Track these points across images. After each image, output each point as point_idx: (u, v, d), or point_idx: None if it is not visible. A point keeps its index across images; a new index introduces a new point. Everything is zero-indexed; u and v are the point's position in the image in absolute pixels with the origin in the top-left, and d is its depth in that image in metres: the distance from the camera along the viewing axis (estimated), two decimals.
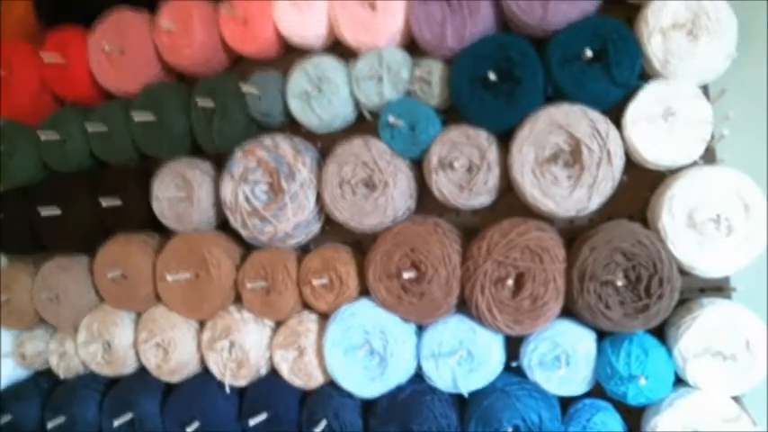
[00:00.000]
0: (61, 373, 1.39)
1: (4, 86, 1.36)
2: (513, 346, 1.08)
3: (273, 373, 1.21)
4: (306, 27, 1.16)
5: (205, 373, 1.26)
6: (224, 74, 1.26)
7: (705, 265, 0.94)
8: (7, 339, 1.44)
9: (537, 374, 1.04)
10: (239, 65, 1.28)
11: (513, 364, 1.06)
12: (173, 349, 1.24)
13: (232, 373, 1.21)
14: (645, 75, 0.98)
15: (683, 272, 0.96)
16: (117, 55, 1.27)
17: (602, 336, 1.02)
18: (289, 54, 1.22)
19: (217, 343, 1.20)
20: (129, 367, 1.32)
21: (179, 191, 1.23)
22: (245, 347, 1.18)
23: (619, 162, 0.97)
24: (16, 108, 1.38)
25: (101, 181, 1.31)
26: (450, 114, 1.09)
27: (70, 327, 1.37)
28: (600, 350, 1.01)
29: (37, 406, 1.40)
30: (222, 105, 1.20)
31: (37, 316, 1.38)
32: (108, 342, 1.30)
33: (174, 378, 1.27)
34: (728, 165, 0.95)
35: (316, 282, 1.13)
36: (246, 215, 1.18)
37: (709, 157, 0.97)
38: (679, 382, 0.99)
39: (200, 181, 1.23)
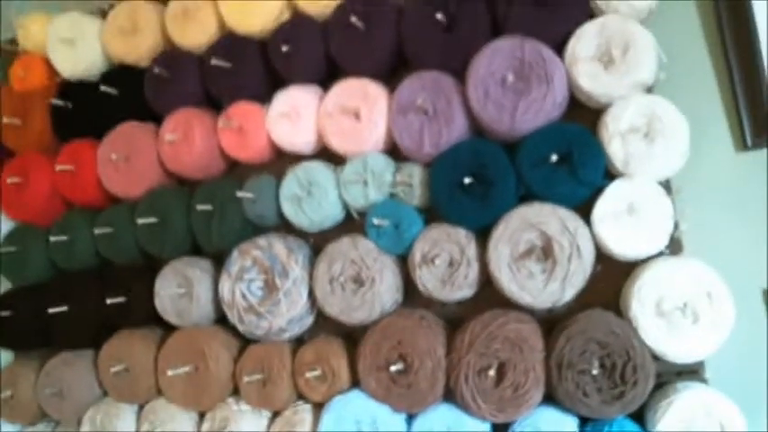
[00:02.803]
0: None
1: (20, 193, 1.39)
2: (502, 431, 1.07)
3: None
4: (296, 136, 1.19)
5: None
6: (221, 179, 1.29)
7: (674, 352, 0.94)
8: None
9: None
10: (235, 169, 1.31)
11: None
12: None
13: None
14: (609, 174, 1.00)
15: (657, 357, 0.96)
16: (122, 163, 1.30)
17: (583, 421, 1.01)
18: (281, 159, 1.25)
19: None
20: None
21: (180, 288, 1.24)
22: None
23: (588, 256, 0.98)
24: (29, 212, 1.40)
25: (106, 279, 1.32)
26: (432, 213, 1.11)
27: (73, 420, 1.34)
28: None
29: None
30: (220, 208, 1.22)
31: (40, 411, 1.35)
32: None
33: None
34: (693, 252, 0.97)
35: (309, 374, 1.13)
36: (243, 311, 1.18)
37: (674, 247, 0.99)
38: None
39: (200, 279, 1.24)
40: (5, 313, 1.38)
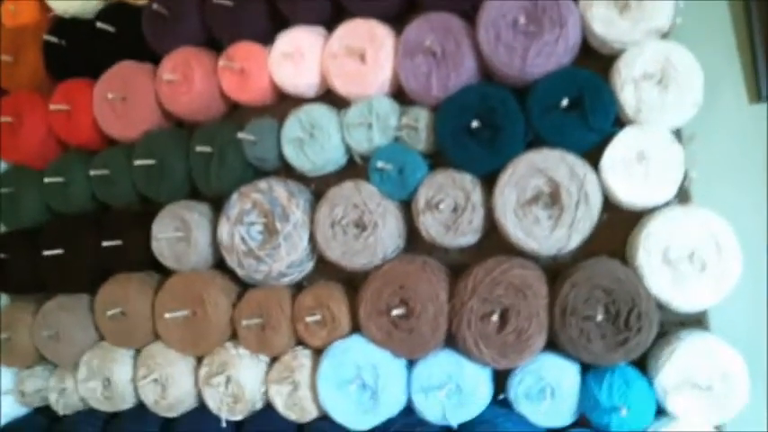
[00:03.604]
0: (60, 409, 1.34)
1: (13, 134, 1.35)
2: (501, 380, 1.06)
3: (268, 407, 1.17)
4: (299, 78, 1.16)
5: (202, 408, 1.22)
6: (221, 121, 1.26)
7: (680, 301, 0.93)
8: (7, 377, 1.40)
9: (523, 406, 1.02)
10: (236, 112, 1.28)
11: (501, 397, 1.04)
12: (170, 385, 1.21)
13: (228, 408, 1.18)
14: (619, 121, 0.98)
15: (662, 306, 0.95)
16: (119, 103, 1.26)
17: (585, 368, 1.01)
18: (283, 102, 1.22)
19: (213, 378, 1.18)
20: (127, 403, 1.28)
21: (177, 232, 1.21)
22: (240, 382, 1.16)
23: (596, 203, 0.97)
24: (23, 153, 1.37)
25: (102, 223, 1.30)
26: (437, 158, 1.09)
27: (70, 364, 1.33)
28: (583, 382, 0.99)
29: None
30: (220, 151, 1.19)
31: (37, 354, 1.34)
32: (107, 378, 1.27)
33: (172, 413, 1.24)
34: (701, 204, 0.95)
35: (309, 319, 1.11)
36: (242, 255, 1.16)
37: (682, 197, 0.97)
38: (661, 412, 0.97)
39: (198, 222, 1.22)
40: (0, 256, 1.36)
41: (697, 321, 0.99)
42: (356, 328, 1.12)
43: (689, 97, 0.94)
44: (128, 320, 1.25)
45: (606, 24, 0.96)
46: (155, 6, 1.23)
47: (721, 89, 1.00)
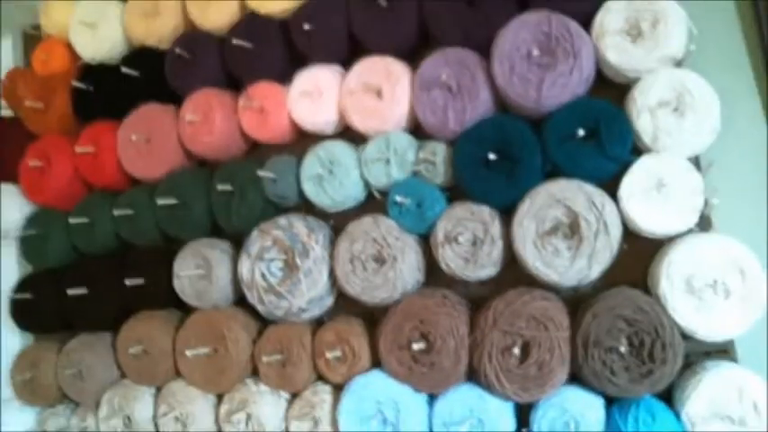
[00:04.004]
0: None
1: (42, 176, 1.39)
2: (525, 414, 1.04)
3: None
4: (318, 115, 1.18)
5: None
6: (242, 159, 1.28)
7: (705, 330, 0.91)
8: (30, 416, 1.41)
9: None
10: (256, 150, 1.30)
11: (524, 431, 1.03)
12: (191, 422, 1.20)
13: None
14: (637, 150, 0.98)
15: (686, 336, 0.93)
16: (143, 144, 1.29)
17: (609, 401, 0.99)
18: (302, 139, 1.24)
19: (234, 415, 1.17)
20: None
21: (199, 269, 1.23)
22: (261, 419, 1.15)
23: (616, 232, 0.96)
24: (50, 195, 1.40)
25: (125, 262, 1.32)
26: (455, 192, 1.09)
27: (92, 402, 1.33)
28: (608, 415, 0.97)
29: None
30: (240, 189, 1.21)
31: (60, 392, 1.35)
32: (128, 416, 1.27)
33: None
34: (723, 231, 0.94)
35: (329, 354, 1.11)
36: (263, 291, 1.17)
37: (704, 224, 0.96)
38: None
39: (219, 260, 1.23)
40: (26, 296, 1.38)
41: (723, 351, 0.97)
42: (377, 363, 1.11)
43: (706, 124, 0.94)
44: (149, 358, 1.25)
45: (620, 53, 0.97)
46: (177, 50, 1.27)
47: (738, 115, 0.99)
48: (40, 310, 1.38)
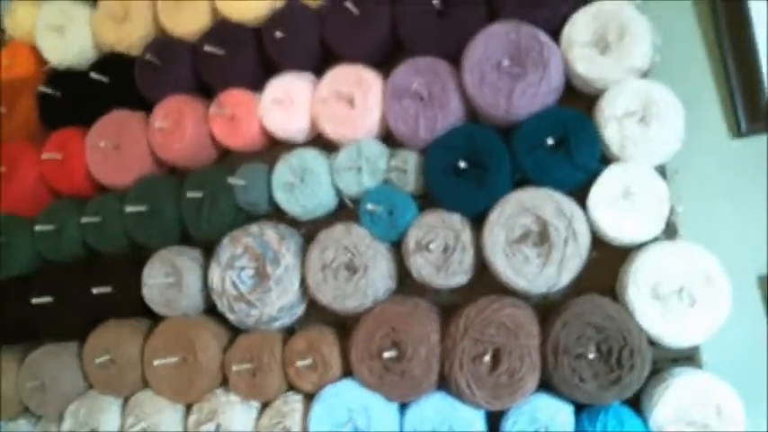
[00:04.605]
0: None
1: (6, 183, 1.36)
2: (496, 420, 1.04)
3: None
4: (289, 123, 1.18)
5: None
6: (212, 167, 1.28)
7: (672, 336, 0.93)
8: None
9: None
10: (227, 158, 1.29)
11: None
12: None
13: None
14: (605, 159, 1.00)
15: (654, 343, 0.95)
16: (112, 151, 1.28)
17: (578, 408, 1.00)
18: (273, 147, 1.24)
19: (203, 426, 1.16)
20: None
21: (168, 277, 1.22)
22: (231, 429, 1.14)
23: (584, 240, 0.98)
24: (14, 202, 1.38)
25: (93, 270, 1.30)
26: (426, 200, 1.10)
27: (55, 415, 1.31)
28: (577, 422, 0.98)
29: None
30: (211, 196, 1.21)
31: (21, 405, 1.32)
32: (94, 429, 1.24)
33: None
34: (689, 239, 0.96)
35: (300, 363, 1.11)
36: (233, 300, 1.16)
37: (670, 232, 0.98)
38: None
39: (189, 268, 1.22)
40: None
41: (689, 358, 0.99)
42: (348, 371, 1.11)
43: (671, 133, 0.97)
44: (116, 367, 1.24)
45: (587, 63, 0.99)
46: (147, 56, 1.26)
47: (703, 125, 1.03)
48: (2, 319, 1.35)
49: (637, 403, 0.99)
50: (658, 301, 0.94)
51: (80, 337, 1.31)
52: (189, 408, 1.22)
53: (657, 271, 0.94)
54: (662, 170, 0.99)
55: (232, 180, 1.18)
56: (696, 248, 0.95)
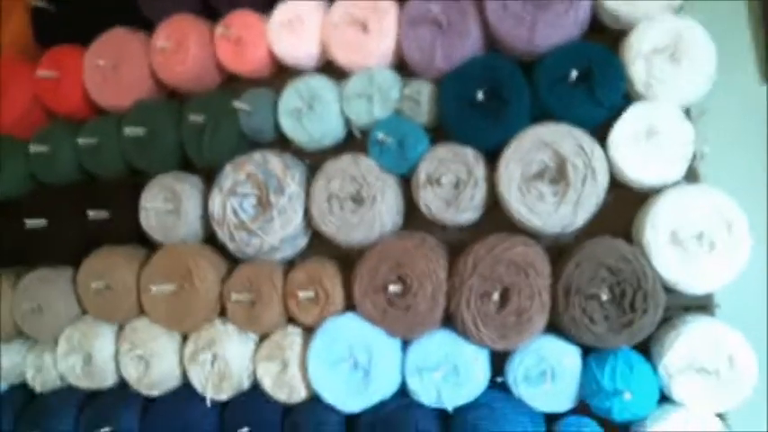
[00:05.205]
0: (37, 386, 1.30)
1: None
2: (499, 363, 1.03)
3: (256, 387, 1.15)
4: (298, 48, 1.14)
5: (186, 387, 1.19)
6: (216, 91, 1.23)
7: (688, 282, 0.91)
8: None
9: (522, 390, 0.99)
10: (231, 83, 1.25)
11: (499, 380, 1.02)
12: (155, 361, 1.17)
13: (214, 387, 1.14)
14: (628, 97, 0.97)
15: (668, 289, 0.93)
16: (110, 71, 1.24)
17: (587, 353, 0.99)
18: (281, 74, 1.19)
19: (199, 355, 1.15)
20: (108, 380, 1.24)
21: (167, 203, 1.19)
22: (227, 360, 1.13)
23: (603, 179, 0.95)
24: (7, 122, 1.33)
25: (88, 193, 1.27)
26: (439, 133, 1.07)
27: (50, 339, 1.29)
28: (585, 366, 0.97)
29: (10, 421, 1.31)
30: (214, 121, 1.17)
31: (16, 328, 1.30)
32: (89, 354, 1.23)
33: (155, 391, 1.20)
34: (711, 183, 0.94)
35: (301, 295, 1.09)
36: (233, 228, 1.14)
37: (691, 176, 0.96)
38: (664, 398, 0.95)
39: (189, 194, 1.19)
40: None
41: (702, 306, 0.97)
42: (350, 306, 1.09)
43: (701, 73, 0.93)
44: (112, 293, 1.21)
45: None
46: None
47: (732, 69, 0.98)
48: None
49: (646, 352, 0.97)
50: (676, 245, 0.92)
51: (74, 263, 1.28)
52: (185, 337, 1.21)
53: (677, 215, 0.91)
54: (687, 110, 0.96)
55: (237, 104, 1.14)
56: (718, 194, 0.92)
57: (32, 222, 1.24)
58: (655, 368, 0.94)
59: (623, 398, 0.91)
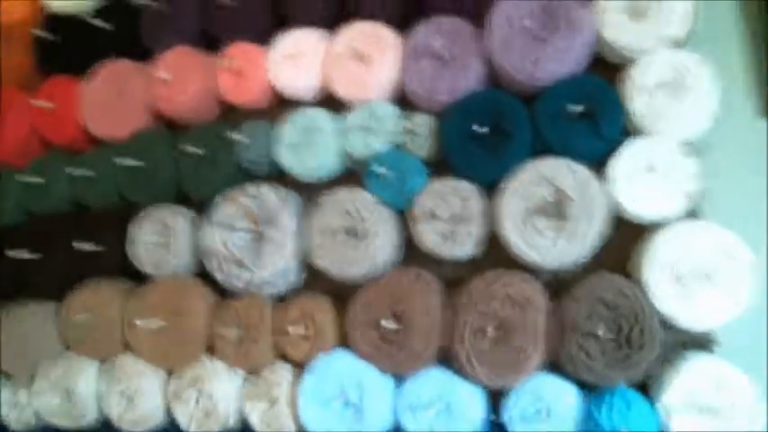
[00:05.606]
0: (12, 424, 1.27)
1: None
2: (496, 401, 1.02)
3: (243, 424, 1.12)
4: (299, 80, 1.16)
5: (170, 425, 1.17)
6: (214, 122, 1.25)
7: (687, 318, 0.91)
8: None
9: (518, 428, 0.97)
10: (229, 115, 1.26)
11: (494, 419, 1.00)
12: (138, 398, 1.15)
13: (198, 424, 1.12)
14: (628, 131, 0.98)
15: (666, 326, 0.93)
16: (108, 101, 1.26)
17: (584, 390, 0.97)
18: (279, 106, 1.21)
19: (184, 392, 1.13)
20: (88, 418, 1.21)
21: (158, 236, 1.19)
22: (213, 397, 1.10)
23: (602, 214, 0.96)
24: (4, 152, 1.34)
25: (77, 225, 1.26)
26: (437, 168, 1.08)
27: (26, 375, 1.26)
28: (582, 404, 0.96)
29: None
30: (211, 153, 1.18)
31: None
32: (70, 390, 1.20)
33: (137, 429, 1.17)
34: (712, 220, 0.94)
35: (292, 330, 1.07)
36: (223, 260, 1.13)
37: (692, 211, 0.96)
38: None
39: (181, 228, 1.19)
40: None
41: (703, 343, 0.96)
42: (342, 342, 1.08)
43: (704, 108, 0.95)
44: (96, 328, 1.20)
45: (617, 30, 0.98)
46: (154, 4, 1.24)
47: (732, 104, 1.00)
48: None
49: (644, 390, 0.96)
50: (676, 281, 0.92)
51: (59, 297, 1.26)
52: (171, 373, 1.18)
53: (677, 250, 0.92)
54: (689, 146, 0.97)
55: (235, 135, 1.15)
56: (720, 229, 0.92)
57: (16, 253, 1.23)
58: (653, 406, 0.93)
59: None
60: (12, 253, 1.23)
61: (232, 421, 1.13)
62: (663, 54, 0.96)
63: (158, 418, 1.18)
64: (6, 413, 1.28)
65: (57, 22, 1.35)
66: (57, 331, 1.26)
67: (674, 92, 0.95)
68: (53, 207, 1.31)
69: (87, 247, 1.21)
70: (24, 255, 1.24)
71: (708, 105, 0.94)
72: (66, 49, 1.33)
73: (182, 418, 1.14)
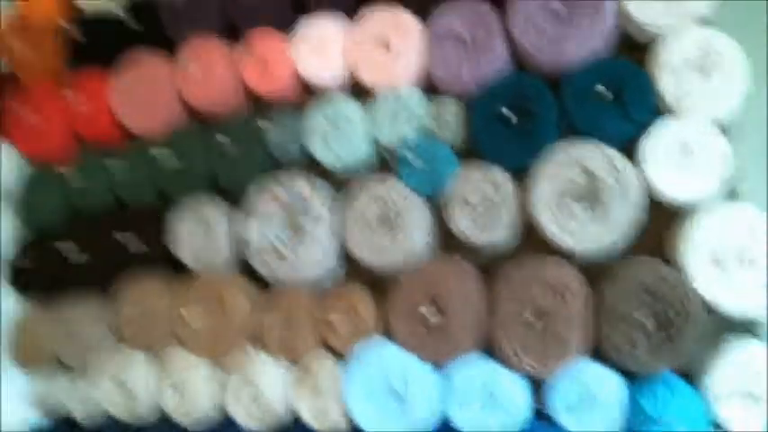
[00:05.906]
0: (77, 416, 1.35)
1: (33, 130, 1.38)
2: (539, 388, 1.03)
3: (289, 413, 1.17)
4: (324, 69, 1.16)
5: (222, 416, 1.22)
6: (243, 114, 1.26)
7: (729, 302, 0.90)
8: (23, 382, 1.41)
9: (564, 417, 0.98)
10: (258, 105, 1.27)
11: (538, 408, 1.02)
12: (187, 389, 1.21)
13: (248, 414, 1.17)
14: (658, 111, 0.96)
15: (709, 311, 0.92)
16: (138, 95, 1.28)
17: (627, 377, 0.98)
18: (306, 95, 1.22)
19: (232, 383, 1.18)
20: (143, 408, 1.27)
21: (197, 229, 1.22)
22: (260, 387, 1.15)
23: (635, 197, 0.94)
24: (43, 151, 1.39)
25: (120, 221, 1.30)
26: (465, 153, 1.08)
27: (84, 368, 1.33)
28: (626, 391, 0.96)
29: None
30: (241, 144, 1.20)
31: (54, 357, 1.35)
32: (122, 383, 1.27)
33: (189, 419, 1.23)
34: (750, 200, 0.92)
35: (334, 320, 1.10)
36: (264, 253, 1.16)
37: (729, 192, 0.94)
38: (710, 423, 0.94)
39: (219, 219, 1.22)
40: (25, 263, 1.38)
41: (749, 328, 0.95)
42: (384, 330, 1.11)
43: (734, 86, 0.92)
44: (144, 322, 1.25)
45: (643, 7, 0.95)
46: None
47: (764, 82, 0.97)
48: (33, 273, 1.38)
49: (688, 376, 0.96)
50: (717, 265, 0.90)
51: (107, 290, 1.32)
52: (218, 364, 1.23)
53: (717, 233, 0.90)
54: (722, 125, 0.94)
55: (264, 125, 1.17)
56: (758, 210, 0.91)
57: (63, 246, 1.29)
58: (697, 392, 0.93)
59: (665, 424, 0.90)
60: (59, 245, 1.29)
61: (280, 410, 1.17)
62: (689, 32, 0.93)
63: (209, 409, 1.22)
64: (71, 405, 1.35)
65: (85, 18, 1.37)
66: (106, 324, 1.32)
67: (702, 70, 0.92)
68: (93, 204, 1.35)
69: (131, 240, 1.25)
70: (72, 248, 1.29)
71: (738, 84, 0.92)
72: (95, 44, 1.35)
73: (232, 409, 1.19)
